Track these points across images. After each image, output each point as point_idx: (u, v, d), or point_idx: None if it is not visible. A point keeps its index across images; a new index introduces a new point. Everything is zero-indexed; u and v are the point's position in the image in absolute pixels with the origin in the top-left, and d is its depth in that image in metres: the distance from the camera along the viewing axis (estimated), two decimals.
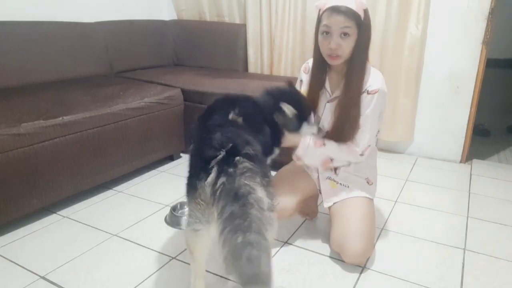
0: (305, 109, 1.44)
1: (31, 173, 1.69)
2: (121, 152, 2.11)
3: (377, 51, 2.59)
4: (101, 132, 1.96)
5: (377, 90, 1.38)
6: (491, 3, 2.29)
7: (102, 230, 1.73)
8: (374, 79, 1.40)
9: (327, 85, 1.51)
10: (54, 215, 1.86)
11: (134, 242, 1.64)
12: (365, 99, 1.39)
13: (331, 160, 1.48)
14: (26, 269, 1.46)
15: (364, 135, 1.42)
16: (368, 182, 1.59)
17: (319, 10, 1.38)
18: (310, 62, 1.57)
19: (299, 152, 1.44)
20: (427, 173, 2.46)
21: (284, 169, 1.73)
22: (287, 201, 1.54)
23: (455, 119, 2.57)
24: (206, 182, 1.01)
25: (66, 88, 2.25)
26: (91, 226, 1.77)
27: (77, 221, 1.81)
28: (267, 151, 1.34)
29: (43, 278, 1.41)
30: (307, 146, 1.43)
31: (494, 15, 2.32)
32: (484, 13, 2.32)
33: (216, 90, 2.42)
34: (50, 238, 1.67)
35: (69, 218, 1.84)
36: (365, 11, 1.35)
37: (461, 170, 2.54)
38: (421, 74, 2.58)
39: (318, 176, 1.62)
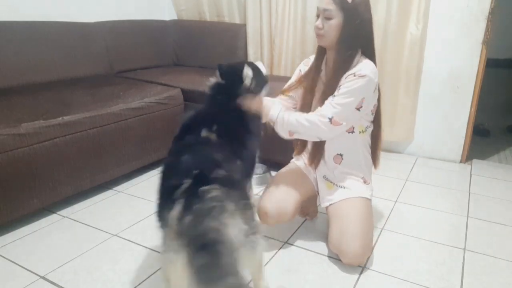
0: (262, 72, 1.40)
1: (31, 173, 1.69)
2: (121, 152, 2.11)
3: (377, 51, 2.55)
4: (101, 132, 1.96)
5: (365, 75, 1.36)
6: (491, 3, 2.29)
7: (102, 230, 1.73)
8: (364, 67, 1.40)
9: (323, 74, 1.54)
10: (54, 215, 1.86)
11: (134, 242, 1.64)
12: (349, 80, 1.38)
13: (299, 127, 1.43)
14: (26, 269, 1.46)
15: (338, 107, 1.37)
16: (365, 182, 1.59)
17: None
18: (312, 57, 1.60)
19: (272, 113, 1.43)
20: (427, 173, 2.46)
21: (281, 172, 1.71)
22: (286, 206, 1.53)
23: (455, 119, 2.57)
24: (170, 215, 0.94)
25: (66, 88, 2.25)
26: (91, 226, 1.77)
27: (77, 221, 1.81)
28: (251, 157, 1.28)
29: (43, 278, 1.41)
30: (279, 108, 1.44)
31: (494, 15, 2.31)
32: (484, 13, 2.32)
33: None
34: (50, 238, 1.67)
35: (69, 218, 1.84)
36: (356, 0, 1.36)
37: (461, 170, 2.54)
38: (421, 74, 2.58)
39: (315, 176, 1.62)
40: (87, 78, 2.58)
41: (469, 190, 2.22)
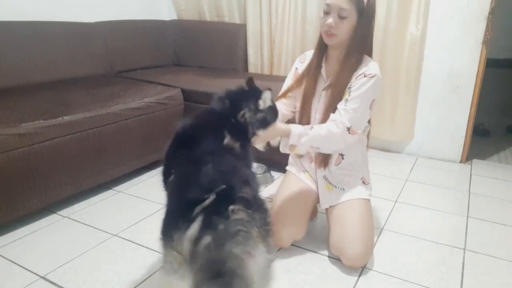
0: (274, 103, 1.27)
1: (31, 173, 1.69)
2: (121, 152, 2.11)
3: (377, 51, 2.58)
4: (101, 132, 1.96)
5: (375, 74, 1.36)
6: (491, 3, 2.29)
7: (102, 230, 1.73)
8: (371, 65, 1.39)
9: (323, 71, 1.51)
10: (54, 215, 1.86)
11: (134, 242, 1.64)
12: (360, 80, 1.36)
13: (321, 142, 1.39)
14: (26, 269, 1.46)
15: (354, 113, 1.35)
16: (364, 182, 1.58)
17: None
18: (307, 53, 1.58)
19: (293, 140, 1.34)
20: (427, 173, 2.46)
21: (285, 191, 1.63)
22: (298, 230, 1.54)
23: (455, 119, 2.57)
24: (185, 235, 0.80)
25: (66, 88, 2.25)
26: (91, 226, 1.77)
27: (77, 221, 1.81)
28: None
29: (43, 278, 1.41)
30: (299, 131, 1.35)
31: (494, 15, 2.31)
32: (484, 13, 2.32)
33: (216, 90, 2.40)
34: (50, 238, 1.67)
35: (69, 218, 1.84)
36: None
37: (461, 170, 2.54)
38: (421, 74, 2.58)
39: (316, 177, 1.62)
40: (87, 78, 2.58)
41: (469, 190, 2.22)
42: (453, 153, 2.64)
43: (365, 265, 1.49)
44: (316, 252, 1.59)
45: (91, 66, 2.68)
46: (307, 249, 1.61)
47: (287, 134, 1.35)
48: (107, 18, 2.86)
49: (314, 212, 1.84)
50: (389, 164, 2.60)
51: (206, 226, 0.79)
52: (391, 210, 1.96)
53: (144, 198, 2.05)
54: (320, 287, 1.39)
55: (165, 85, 2.53)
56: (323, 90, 1.50)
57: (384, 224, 1.82)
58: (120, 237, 1.68)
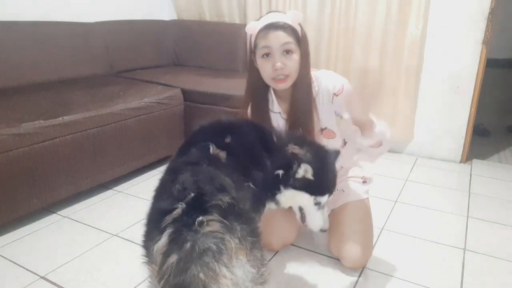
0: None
1: (31, 173, 1.69)
2: (121, 152, 2.11)
3: (377, 51, 2.59)
4: (101, 132, 1.96)
5: (342, 86, 1.29)
6: (491, 3, 2.29)
7: (102, 230, 1.73)
8: (330, 80, 1.31)
9: (277, 109, 1.37)
10: (54, 215, 1.86)
11: (134, 242, 1.64)
12: (338, 101, 1.30)
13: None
14: (26, 269, 1.46)
15: (372, 123, 1.24)
16: (365, 181, 1.57)
17: (250, 37, 1.27)
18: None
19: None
20: (427, 173, 2.46)
21: None
22: (288, 234, 1.53)
23: (455, 119, 2.57)
24: (155, 247, 0.77)
25: (66, 88, 2.25)
26: (91, 226, 1.77)
27: (77, 221, 1.81)
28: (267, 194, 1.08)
29: (43, 278, 1.41)
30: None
31: (494, 15, 2.31)
32: (484, 13, 2.32)
33: (216, 90, 2.43)
34: (50, 238, 1.67)
35: (69, 218, 1.84)
36: (301, 26, 1.26)
37: (461, 170, 2.54)
38: (421, 74, 2.58)
39: None
40: (87, 78, 2.57)
41: (469, 190, 2.21)
42: (453, 153, 2.64)
43: (365, 265, 1.49)
44: (316, 252, 1.59)
45: (91, 66, 2.68)
46: (307, 249, 1.61)
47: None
48: (107, 18, 2.86)
49: None
50: (389, 164, 2.60)
51: (174, 242, 0.74)
52: (391, 210, 1.96)
53: (144, 198, 2.05)
54: (320, 287, 1.38)
55: (165, 85, 2.53)
56: (283, 119, 1.38)
57: (384, 224, 1.82)
58: (120, 237, 1.68)
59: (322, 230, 1.16)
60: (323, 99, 1.34)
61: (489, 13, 2.31)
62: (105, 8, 2.91)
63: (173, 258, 0.72)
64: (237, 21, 3.16)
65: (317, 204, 1.11)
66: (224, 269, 0.71)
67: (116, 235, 1.70)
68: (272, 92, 1.37)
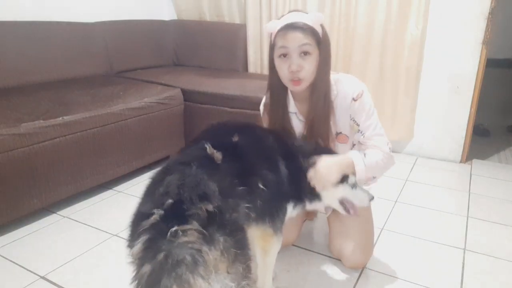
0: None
1: (31, 173, 1.69)
2: (121, 152, 2.11)
3: (377, 51, 2.59)
4: (101, 132, 1.96)
5: (362, 91, 1.29)
6: (491, 3, 2.29)
7: (102, 230, 1.73)
8: (350, 85, 1.30)
9: (293, 109, 1.37)
10: (54, 215, 1.86)
11: None
12: (354, 106, 1.29)
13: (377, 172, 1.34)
14: (26, 269, 1.46)
15: (381, 136, 1.31)
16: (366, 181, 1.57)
17: (271, 35, 1.25)
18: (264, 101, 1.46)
19: (360, 174, 1.22)
20: (427, 173, 2.46)
21: None
22: (290, 235, 1.51)
23: (455, 119, 2.57)
24: (132, 251, 0.75)
25: (66, 88, 2.25)
26: (91, 226, 1.77)
27: (77, 221, 1.81)
28: (281, 201, 1.10)
29: (43, 278, 1.41)
30: (362, 158, 1.24)
31: (494, 15, 2.31)
32: (484, 13, 2.32)
33: (216, 90, 2.42)
34: (50, 238, 1.67)
35: (69, 218, 1.84)
36: (322, 27, 1.23)
37: (461, 170, 2.54)
38: (421, 74, 2.58)
39: None
40: (87, 78, 2.57)
41: (469, 190, 2.21)
42: (453, 153, 2.64)
43: (365, 265, 1.49)
44: (316, 252, 1.59)
45: (91, 66, 2.68)
46: (307, 249, 1.61)
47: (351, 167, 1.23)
48: (107, 18, 2.86)
49: (314, 213, 1.84)
50: None
51: (149, 250, 0.71)
52: (391, 210, 1.96)
53: None
54: (320, 287, 1.39)
55: (165, 85, 2.53)
56: (299, 120, 1.39)
57: (384, 224, 1.82)
58: (120, 237, 1.68)
59: (371, 200, 1.25)
60: (341, 103, 1.32)
61: (489, 13, 2.31)
62: (105, 8, 2.91)
63: (147, 268, 0.70)
64: (237, 21, 3.16)
65: (353, 186, 1.20)
66: (200, 280, 0.68)
67: (116, 235, 1.70)
68: (289, 91, 1.37)
